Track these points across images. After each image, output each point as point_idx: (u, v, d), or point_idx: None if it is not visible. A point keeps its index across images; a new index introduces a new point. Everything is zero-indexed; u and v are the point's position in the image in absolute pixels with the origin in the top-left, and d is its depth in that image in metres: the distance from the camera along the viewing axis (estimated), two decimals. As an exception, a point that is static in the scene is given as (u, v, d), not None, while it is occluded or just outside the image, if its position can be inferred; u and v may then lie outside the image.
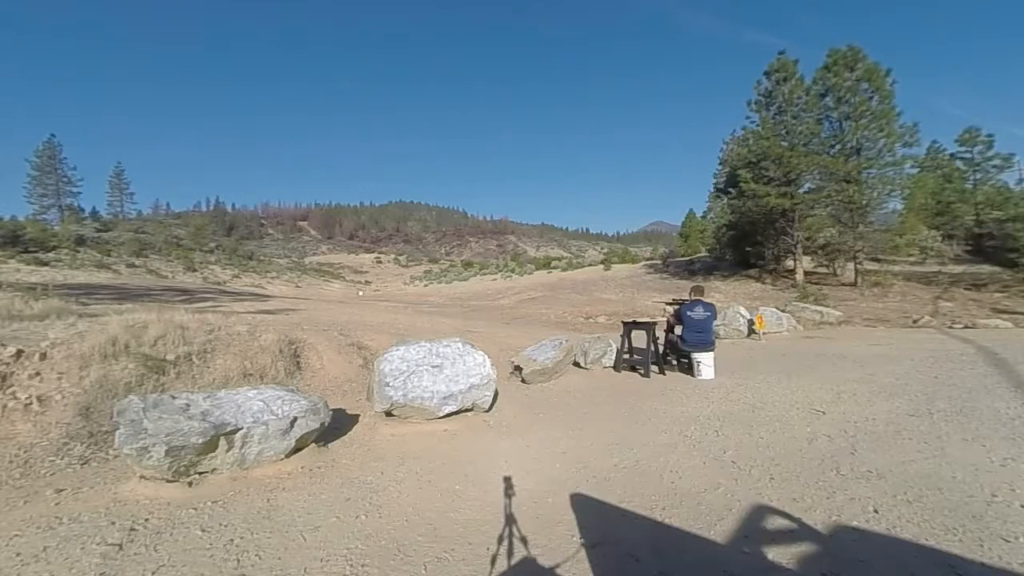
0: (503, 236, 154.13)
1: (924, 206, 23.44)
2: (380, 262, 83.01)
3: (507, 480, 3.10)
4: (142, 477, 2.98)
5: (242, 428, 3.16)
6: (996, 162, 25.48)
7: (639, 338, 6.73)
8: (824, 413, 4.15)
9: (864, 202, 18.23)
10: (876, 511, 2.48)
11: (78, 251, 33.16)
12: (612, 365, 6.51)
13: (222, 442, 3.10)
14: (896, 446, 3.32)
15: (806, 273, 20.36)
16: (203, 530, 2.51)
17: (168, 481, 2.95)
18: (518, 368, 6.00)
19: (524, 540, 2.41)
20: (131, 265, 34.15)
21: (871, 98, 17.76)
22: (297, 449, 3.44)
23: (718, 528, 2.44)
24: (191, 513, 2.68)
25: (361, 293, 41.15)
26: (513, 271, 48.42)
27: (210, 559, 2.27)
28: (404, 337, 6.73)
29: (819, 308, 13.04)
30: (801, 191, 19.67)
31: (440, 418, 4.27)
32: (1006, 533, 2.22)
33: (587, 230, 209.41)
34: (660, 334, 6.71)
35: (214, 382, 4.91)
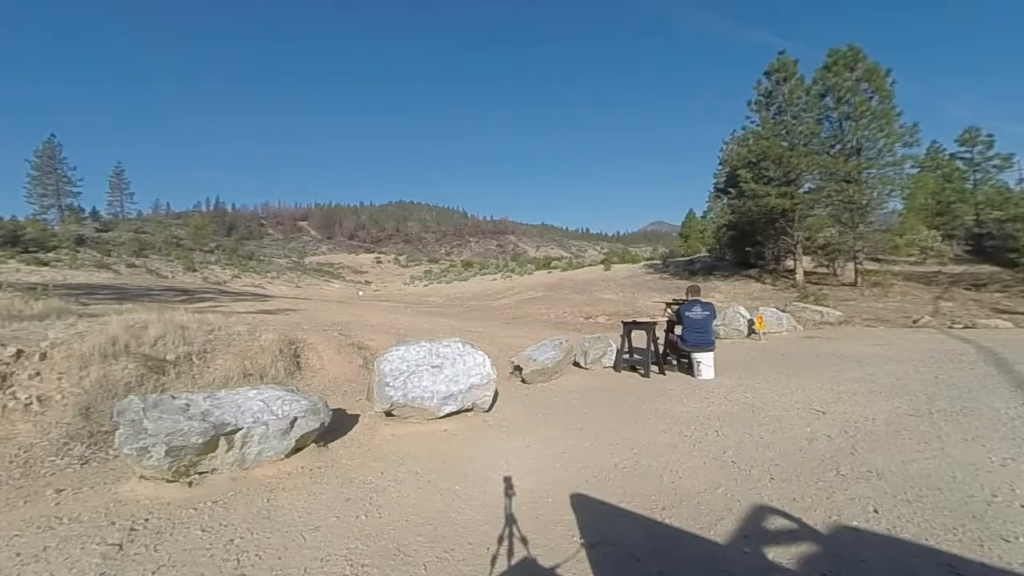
0: (503, 236, 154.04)
1: (924, 206, 23.41)
2: (380, 262, 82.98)
3: (507, 480, 3.10)
4: (142, 477, 2.98)
5: (242, 428, 3.17)
6: (996, 162, 25.44)
7: (639, 338, 6.73)
8: (824, 413, 4.15)
9: (864, 202, 18.22)
10: (876, 511, 2.48)
11: (78, 251, 33.16)
12: (612, 365, 6.51)
13: (222, 442, 3.10)
14: (896, 446, 3.32)
15: (806, 273, 20.35)
16: (203, 530, 2.51)
17: (168, 481, 2.95)
18: (518, 368, 6.00)
19: (524, 540, 2.42)
20: (131, 265, 34.15)
21: (871, 98, 17.74)
22: (297, 449, 3.44)
23: (718, 528, 2.44)
24: (191, 513, 2.68)
25: (361, 293, 41.13)
26: (513, 271, 48.41)
27: (210, 559, 2.27)
28: (404, 337, 6.73)
29: (819, 308, 13.03)
30: (801, 191, 19.64)
31: (440, 418, 4.27)
32: (1006, 533, 2.21)
33: (587, 230, 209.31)
34: (660, 334, 6.71)
35: (214, 382, 4.91)
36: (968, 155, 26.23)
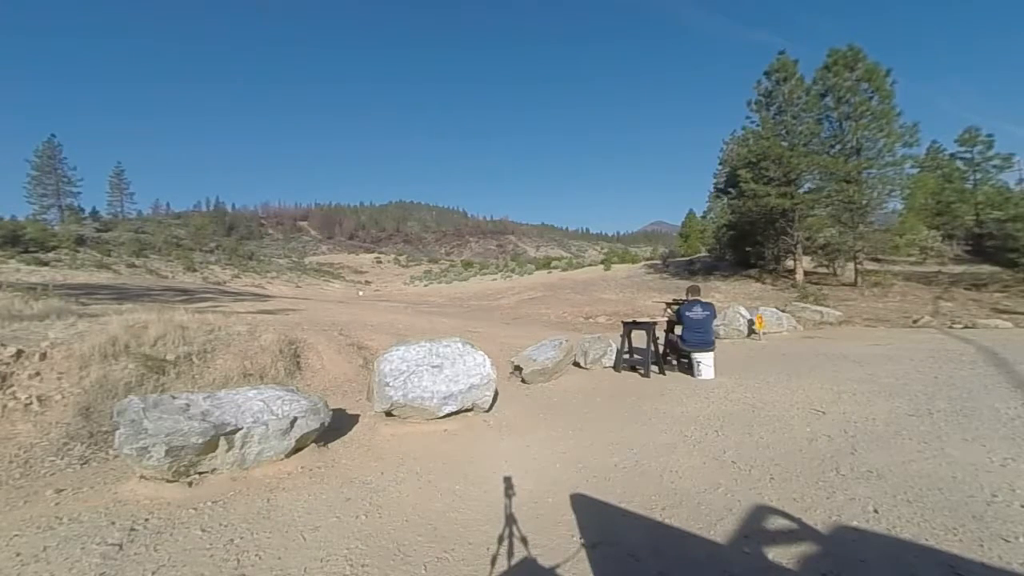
0: (503, 236, 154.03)
1: (924, 206, 23.43)
2: (380, 262, 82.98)
3: (507, 480, 3.10)
4: (142, 477, 2.98)
5: (242, 428, 3.16)
6: (996, 162, 25.44)
7: (639, 338, 6.73)
8: (824, 413, 4.15)
9: (864, 202, 18.22)
10: (876, 511, 2.48)
11: (78, 251, 33.14)
12: (612, 365, 6.51)
13: (222, 442, 3.10)
14: (896, 446, 3.32)
15: (806, 273, 20.35)
16: (203, 530, 2.51)
17: (168, 481, 2.95)
18: (518, 368, 6.00)
19: (524, 540, 2.42)
20: (131, 265, 34.13)
21: (871, 98, 17.75)
22: (297, 449, 3.44)
23: (718, 528, 2.44)
24: (191, 513, 2.68)
25: (361, 293, 41.13)
26: (513, 271, 48.42)
27: (210, 559, 2.27)
28: (404, 337, 6.73)
29: (819, 308, 13.03)
30: (801, 191, 19.66)
31: (440, 418, 4.27)
32: (1006, 533, 2.21)
33: (587, 230, 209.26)
34: (660, 334, 6.71)
35: (214, 382, 4.91)
36: (968, 155, 26.23)
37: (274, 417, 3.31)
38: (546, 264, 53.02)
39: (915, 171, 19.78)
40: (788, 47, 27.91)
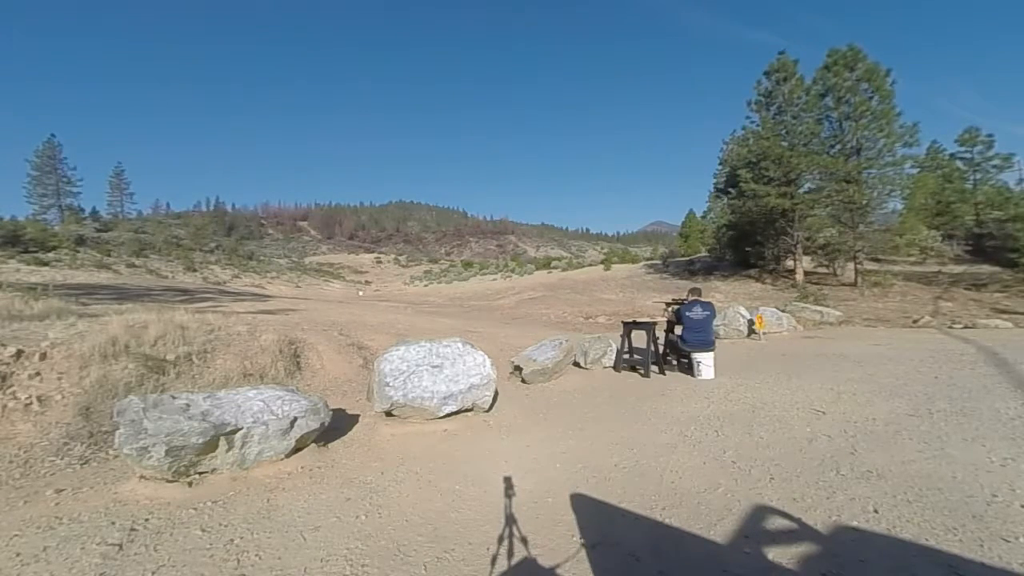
0: (503, 236, 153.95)
1: (924, 206, 23.44)
2: (380, 262, 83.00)
3: (507, 480, 3.10)
4: (142, 477, 2.98)
5: (242, 428, 3.17)
6: (996, 162, 25.48)
7: (639, 338, 6.73)
8: (824, 413, 4.15)
9: (864, 202, 18.24)
10: (876, 511, 2.48)
11: (78, 251, 33.13)
12: (612, 365, 6.51)
13: (222, 442, 3.10)
14: (896, 446, 3.32)
15: (806, 273, 20.36)
16: (203, 530, 2.51)
17: (168, 481, 2.95)
18: (518, 368, 5.99)
19: (524, 540, 2.41)
20: (131, 265, 34.11)
21: (871, 98, 17.77)
22: (297, 449, 3.44)
23: (718, 528, 2.44)
24: (191, 513, 2.68)
25: (361, 293, 41.13)
26: (513, 271, 48.40)
27: (210, 559, 2.27)
28: (404, 337, 6.72)
29: (819, 308, 13.03)
30: (801, 191, 19.68)
31: (440, 418, 4.27)
32: (1006, 533, 2.21)
33: (587, 230, 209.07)
34: (660, 334, 6.71)
35: (214, 382, 4.91)
36: (968, 155, 26.25)
37: (274, 417, 3.31)
38: (546, 264, 53.00)
39: (915, 171, 19.80)
40: (788, 47, 28.00)
